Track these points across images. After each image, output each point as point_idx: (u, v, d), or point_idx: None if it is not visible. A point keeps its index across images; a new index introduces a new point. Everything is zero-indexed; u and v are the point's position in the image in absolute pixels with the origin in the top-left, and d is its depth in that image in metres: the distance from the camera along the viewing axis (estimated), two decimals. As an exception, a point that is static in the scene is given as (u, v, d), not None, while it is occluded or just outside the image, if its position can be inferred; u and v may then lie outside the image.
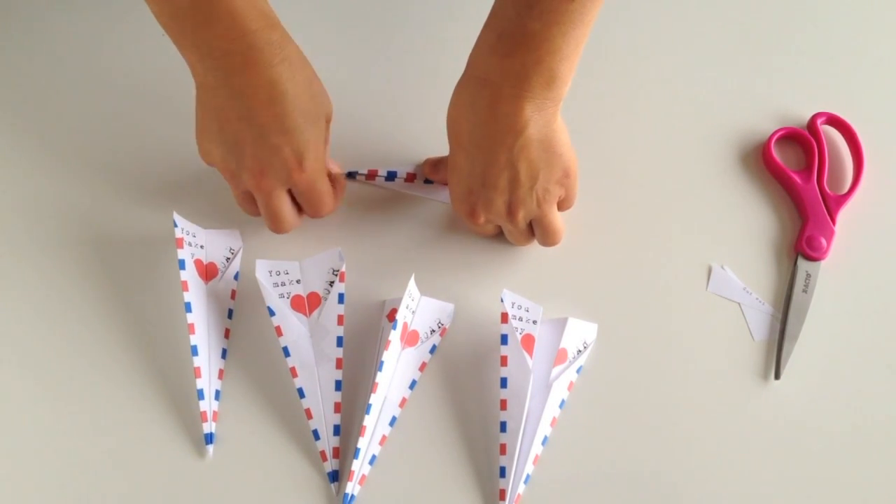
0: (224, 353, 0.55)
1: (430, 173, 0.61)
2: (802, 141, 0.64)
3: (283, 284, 0.55)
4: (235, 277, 0.58)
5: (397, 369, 0.55)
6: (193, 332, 0.53)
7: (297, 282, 0.56)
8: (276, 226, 0.56)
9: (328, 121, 0.55)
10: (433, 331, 0.56)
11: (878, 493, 0.53)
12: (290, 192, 0.55)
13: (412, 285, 0.54)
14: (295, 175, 0.53)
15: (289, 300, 0.55)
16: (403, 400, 0.54)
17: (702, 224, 0.61)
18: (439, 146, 0.60)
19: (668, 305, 0.58)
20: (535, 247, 0.60)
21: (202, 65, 0.50)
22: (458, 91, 0.52)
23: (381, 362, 0.52)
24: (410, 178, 0.62)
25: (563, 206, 0.57)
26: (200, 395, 0.53)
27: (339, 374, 0.54)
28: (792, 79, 0.68)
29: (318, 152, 0.54)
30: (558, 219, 0.56)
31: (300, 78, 0.52)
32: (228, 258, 0.58)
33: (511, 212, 0.54)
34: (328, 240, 0.59)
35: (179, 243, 0.55)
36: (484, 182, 0.53)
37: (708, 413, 0.55)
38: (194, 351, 0.53)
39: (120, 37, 0.68)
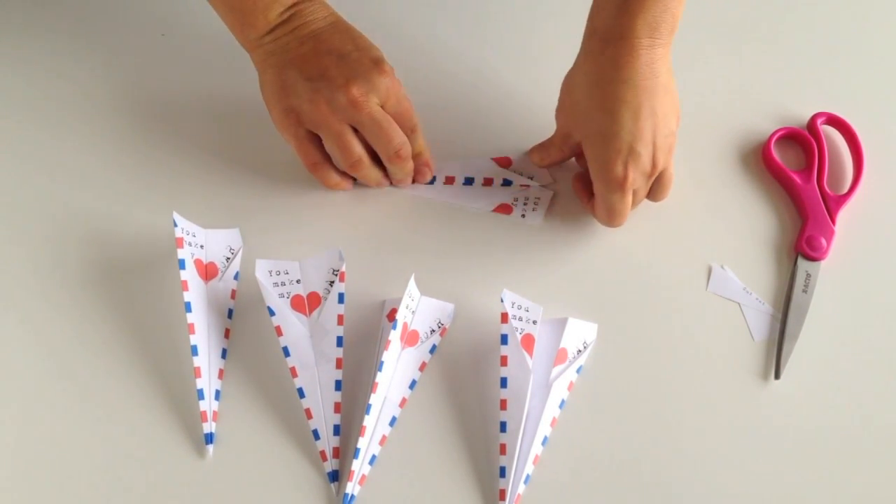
0: (224, 353, 0.55)
1: (542, 160, 0.62)
2: (802, 141, 0.64)
3: (283, 284, 0.55)
4: (235, 277, 0.58)
5: (397, 369, 0.55)
6: (193, 332, 0.53)
7: (297, 282, 0.56)
8: (393, 140, 0.57)
9: None
10: (433, 331, 0.56)
11: (878, 493, 0.53)
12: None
13: (412, 285, 0.54)
14: (381, 79, 0.56)
15: (289, 300, 0.55)
16: (403, 400, 0.54)
17: (702, 224, 0.61)
18: (438, 146, 0.60)
19: (668, 305, 0.58)
20: (534, 247, 0.60)
21: (270, 34, 0.57)
22: (589, 57, 0.56)
23: (381, 362, 0.52)
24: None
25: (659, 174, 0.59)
26: (200, 394, 0.53)
27: (339, 374, 0.54)
28: (792, 79, 0.68)
29: (388, 62, 0.58)
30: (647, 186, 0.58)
31: (349, 23, 0.59)
32: (228, 258, 0.58)
33: (654, 163, 0.56)
34: (328, 240, 0.59)
35: (179, 243, 0.55)
36: (634, 135, 0.55)
37: (708, 413, 0.55)
38: (194, 351, 0.53)
39: (120, 36, 0.68)
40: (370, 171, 0.59)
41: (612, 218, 0.58)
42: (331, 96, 0.55)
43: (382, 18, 0.66)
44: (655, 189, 0.58)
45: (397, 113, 0.58)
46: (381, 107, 0.57)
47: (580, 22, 0.57)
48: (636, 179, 0.56)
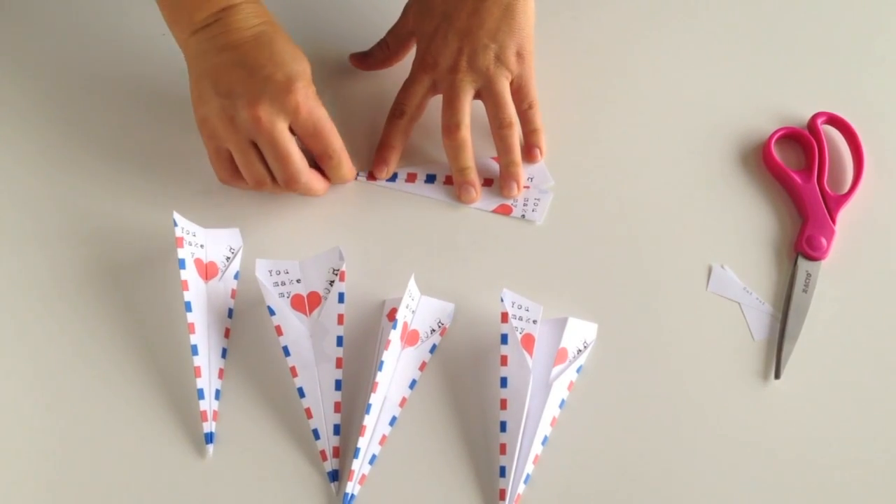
0: (224, 353, 0.55)
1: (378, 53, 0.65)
2: (802, 141, 0.64)
3: (284, 284, 0.55)
4: (235, 277, 0.58)
5: (397, 369, 0.55)
6: (193, 332, 0.53)
7: (298, 281, 0.56)
8: (287, 168, 0.56)
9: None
10: (433, 330, 0.56)
11: (878, 494, 0.53)
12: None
13: (412, 285, 0.54)
14: (289, 98, 0.54)
15: (289, 299, 0.55)
16: (403, 400, 0.54)
17: (702, 224, 0.61)
18: (438, 146, 0.60)
19: (668, 305, 0.58)
20: (534, 247, 0.60)
21: (193, 37, 0.56)
22: None
23: (381, 362, 0.52)
24: (411, 177, 0.62)
25: (518, 91, 0.61)
26: (200, 394, 0.53)
27: (339, 374, 0.54)
28: (792, 79, 0.68)
29: (308, 81, 0.56)
30: (509, 93, 0.60)
31: (282, 34, 0.57)
32: (228, 257, 0.58)
33: (461, 51, 0.59)
34: (328, 239, 0.59)
35: (179, 242, 0.55)
36: (447, 14, 0.59)
37: (708, 413, 0.55)
38: (194, 350, 0.53)
39: (120, 36, 0.68)
40: (276, 190, 0.59)
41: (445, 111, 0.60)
42: (235, 113, 0.55)
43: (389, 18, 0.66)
44: (490, 108, 0.60)
45: (307, 134, 0.56)
46: (291, 126, 0.56)
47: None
48: (441, 63, 0.60)
